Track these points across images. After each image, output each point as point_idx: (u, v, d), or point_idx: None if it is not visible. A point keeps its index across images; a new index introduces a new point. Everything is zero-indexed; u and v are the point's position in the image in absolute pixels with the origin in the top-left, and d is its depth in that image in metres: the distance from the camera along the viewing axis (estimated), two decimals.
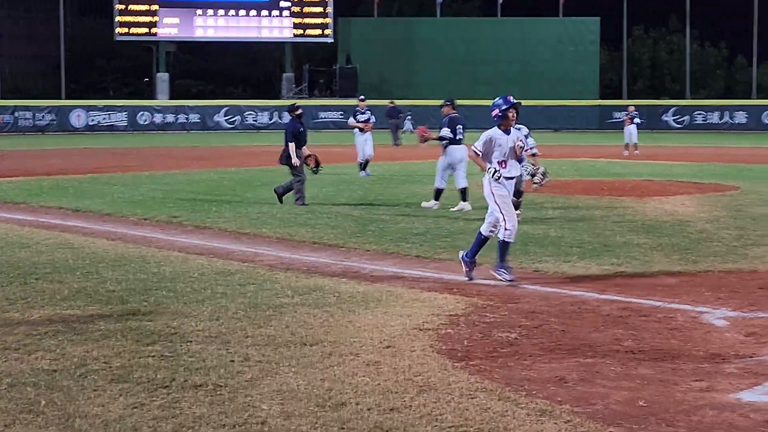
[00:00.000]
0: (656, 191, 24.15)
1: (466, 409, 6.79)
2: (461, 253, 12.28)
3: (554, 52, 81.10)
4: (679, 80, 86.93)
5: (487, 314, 10.02)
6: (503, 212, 11.91)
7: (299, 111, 21.99)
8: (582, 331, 9.27)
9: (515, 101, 12.18)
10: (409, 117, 63.18)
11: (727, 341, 8.93)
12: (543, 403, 6.98)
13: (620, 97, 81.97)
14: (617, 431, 6.37)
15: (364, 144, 29.24)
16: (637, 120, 42.74)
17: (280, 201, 20.57)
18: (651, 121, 67.40)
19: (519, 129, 14.78)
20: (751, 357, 8.35)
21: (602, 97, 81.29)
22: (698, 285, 11.66)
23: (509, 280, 11.75)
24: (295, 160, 20.73)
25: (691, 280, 12.04)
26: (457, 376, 7.66)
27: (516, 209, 13.61)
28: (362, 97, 32.40)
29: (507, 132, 12.24)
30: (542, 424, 6.51)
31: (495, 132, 12.22)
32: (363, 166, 29.05)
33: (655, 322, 9.71)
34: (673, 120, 71.70)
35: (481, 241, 12.17)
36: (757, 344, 8.81)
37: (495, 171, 12.02)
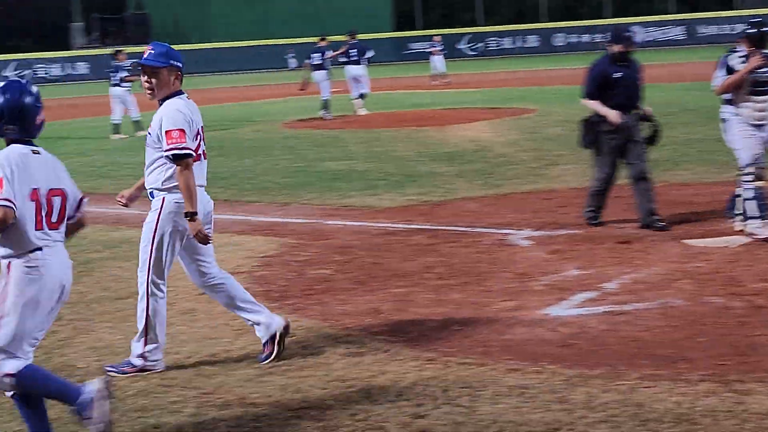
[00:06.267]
0: (456, 119, 24.65)
1: (286, 348, 6.85)
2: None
3: None
4: (471, 8, 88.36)
5: (299, 253, 10.09)
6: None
7: None
8: (393, 262, 9.45)
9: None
10: (293, 55, 62.13)
11: (533, 260, 9.28)
12: (360, 335, 7.12)
13: (415, 28, 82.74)
14: (433, 356, 6.56)
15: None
16: (441, 50, 43.36)
17: None
18: (447, 50, 68.44)
19: None
20: (556, 273, 8.71)
21: (396, 29, 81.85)
22: (501, 208, 12.04)
23: None
24: None
25: (494, 203, 12.41)
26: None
27: None
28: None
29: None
30: (361, 356, 6.64)
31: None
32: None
33: (462, 247, 9.98)
34: (468, 48, 73.01)
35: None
36: (561, 260, 9.19)
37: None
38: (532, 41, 73.45)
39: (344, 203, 12.98)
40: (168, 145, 6.36)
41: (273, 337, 6.68)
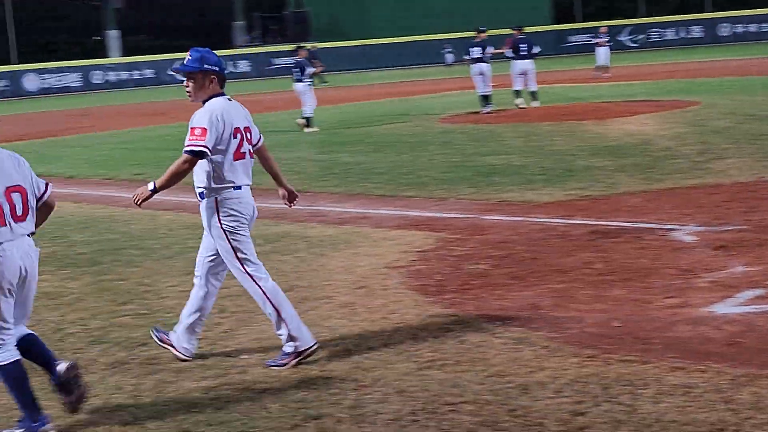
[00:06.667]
0: (617, 112, 24.24)
1: (443, 343, 6.86)
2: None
3: None
4: None
5: (456, 248, 10.08)
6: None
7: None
8: (551, 257, 9.34)
9: None
10: (450, 50, 62.83)
11: (697, 256, 9.03)
12: (519, 331, 7.05)
13: (574, 21, 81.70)
14: (593, 353, 6.45)
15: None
16: (607, 41, 42.69)
17: None
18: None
19: None
20: (721, 270, 8.46)
21: (555, 22, 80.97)
22: (664, 203, 11.77)
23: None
24: None
25: (656, 198, 12.14)
26: (432, 311, 7.73)
27: None
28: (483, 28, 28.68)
29: None
30: (519, 351, 6.59)
31: None
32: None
33: (623, 242, 9.80)
34: (629, 39, 71.66)
35: None
36: (726, 257, 8.92)
37: None
38: (696, 32, 71.65)
39: (502, 198, 12.90)
40: (188, 140, 6.58)
41: (175, 351, 6.89)
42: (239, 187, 6.72)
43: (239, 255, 6.77)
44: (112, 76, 68.36)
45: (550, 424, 5.35)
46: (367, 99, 37.31)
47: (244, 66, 69.52)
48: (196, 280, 7.01)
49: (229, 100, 6.81)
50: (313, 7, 79.24)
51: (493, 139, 20.17)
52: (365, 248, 10.28)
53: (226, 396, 6.12)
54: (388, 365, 6.49)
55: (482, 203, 12.61)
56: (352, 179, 15.58)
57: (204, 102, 6.76)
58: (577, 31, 72.78)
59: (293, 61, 26.38)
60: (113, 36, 78.14)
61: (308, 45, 28.81)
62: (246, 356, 6.88)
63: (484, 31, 27.98)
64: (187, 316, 6.97)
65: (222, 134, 6.60)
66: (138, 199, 6.63)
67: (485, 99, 27.18)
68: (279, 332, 6.78)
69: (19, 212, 5.59)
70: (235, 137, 6.69)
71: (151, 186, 6.59)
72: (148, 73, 68.63)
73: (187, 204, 14.30)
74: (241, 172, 6.72)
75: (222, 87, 6.81)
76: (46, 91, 65.58)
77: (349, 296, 8.38)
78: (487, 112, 26.67)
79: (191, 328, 6.95)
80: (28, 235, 5.68)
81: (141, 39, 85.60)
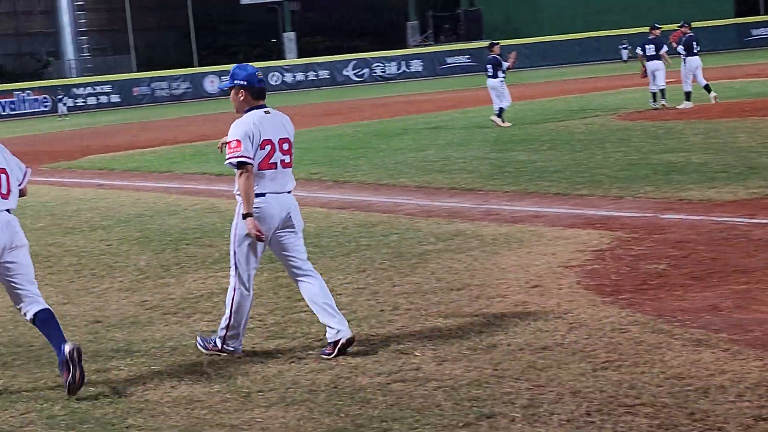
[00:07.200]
0: None
1: (619, 344, 6.73)
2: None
3: None
4: None
5: (633, 247, 9.88)
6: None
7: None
8: (733, 258, 9.06)
9: None
10: (627, 46, 62.36)
11: None
12: (698, 332, 6.87)
13: (758, 13, 78.94)
14: None
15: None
16: None
17: None
18: None
19: None
20: None
21: (738, 15, 78.44)
22: None
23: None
24: None
25: None
26: (607, 311, 7.60)
27: None
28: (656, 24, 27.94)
29: None
30: (699, 353, 6.41)
31: None
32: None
33: None
34: None
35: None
36: None
37: None
38: None
39: (681, 196, 12.58)
40: (227, 155, 6.99)
41: (336, 343, 6.97)
42: (263, 194, 7.02)
43: (236, 262, 7.14)
44: (288, 77, 69.75)
45: (732, 429, 5.19)
46: (542, 96, 36.99)
47: (416, 66, 69.90)
48: (300, 281, 7.28)
49: (266, 112, 7.18)
50: (485, 5, 79.04)
51: (671, 136, 19.69)
52: (539, 247, 10.20)
53: (399, 392, 6.17)
54: (563, 365, 6.42)
55: (660, 202, 12.34)
56: (526, 177, 15.46)
57: (244, 114, 7.13)
58: (762, 25, 70.37)
59: (489, 58, 26.17)
60: (289, 38, 79.84)
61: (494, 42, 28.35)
62: (419, 353, 6.92)
63: (658, 28, 27.33)
64: (324, 318, 7.12)
65: (252, 143, 6.96)
66: (257, 234, 6.92)
67: (658, 94, 26.62)
68: (220, 329, 7.23)
69: (3, 191, 6.58)
70: (263, 148, 7.01)
71: (244, 216, 6.96)
72: (323, 74, 69.73)
73: (359, 203, 14.50)
74: (266, 180, 7.04)
75: (256, 99, 7.17)
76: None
77: (522, 295, 8.33)
78: (659, 107, 26.12)
79: (331, 318, 7.07)
80: (8, 211, 6.61)
81: (316, 40, 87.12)
